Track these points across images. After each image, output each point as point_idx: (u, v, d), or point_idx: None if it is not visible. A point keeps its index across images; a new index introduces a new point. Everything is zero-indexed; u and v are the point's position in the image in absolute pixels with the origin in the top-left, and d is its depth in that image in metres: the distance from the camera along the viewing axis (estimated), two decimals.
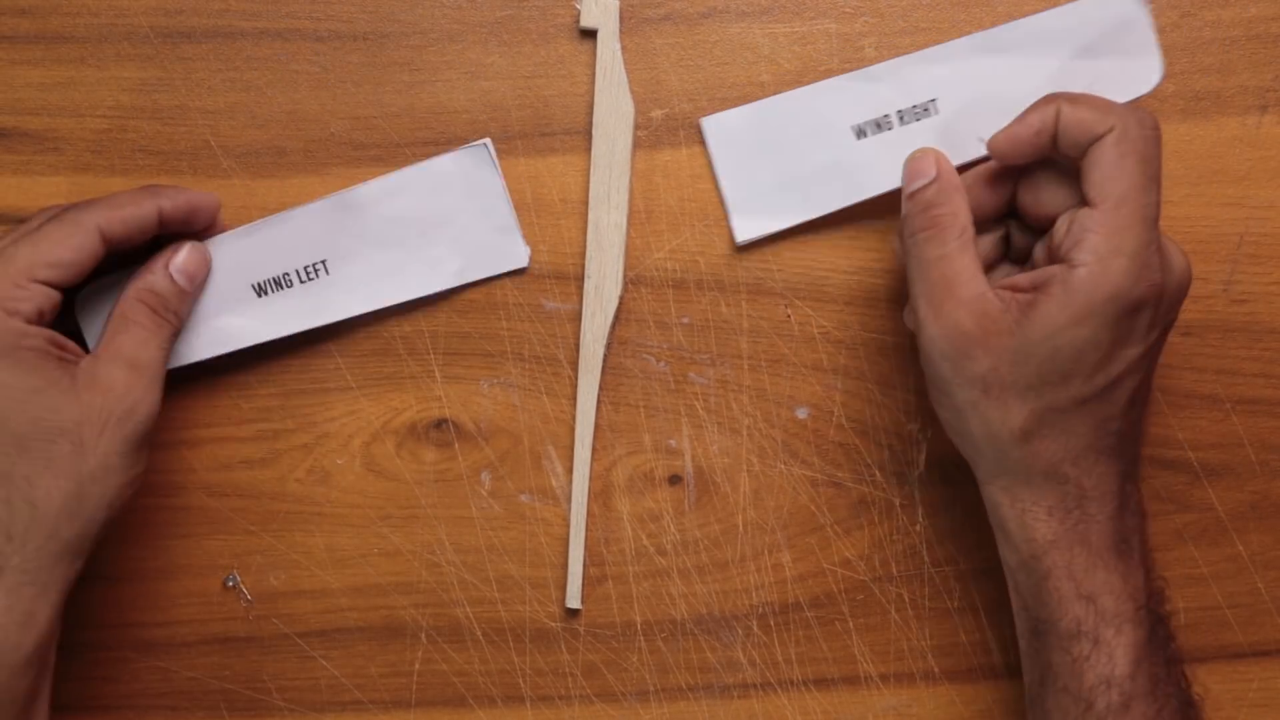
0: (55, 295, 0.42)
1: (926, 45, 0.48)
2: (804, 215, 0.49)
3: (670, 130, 0.50)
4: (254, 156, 0.49)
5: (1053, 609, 0.41)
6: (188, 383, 0.49)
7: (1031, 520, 0.42)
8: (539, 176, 0.49)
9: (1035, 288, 0.40)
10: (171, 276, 0.45)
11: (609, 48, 0.48)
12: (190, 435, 0.50)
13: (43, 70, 0.49)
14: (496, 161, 0.47)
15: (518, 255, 0.49)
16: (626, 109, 0.48)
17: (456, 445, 0.50)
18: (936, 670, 0.50)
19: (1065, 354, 0.40)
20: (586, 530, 0.49)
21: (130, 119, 0.49)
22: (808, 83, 0.49)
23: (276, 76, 0.50)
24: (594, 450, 0.50)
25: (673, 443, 0.50)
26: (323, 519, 0.50)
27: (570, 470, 0.50)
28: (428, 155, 0.49)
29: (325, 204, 0.47)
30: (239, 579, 0.50)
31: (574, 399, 0.49)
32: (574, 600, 0.49)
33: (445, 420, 0.50)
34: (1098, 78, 0.46)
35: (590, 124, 0.48)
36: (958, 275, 0.41)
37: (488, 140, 0.47)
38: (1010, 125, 0.43)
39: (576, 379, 0.49)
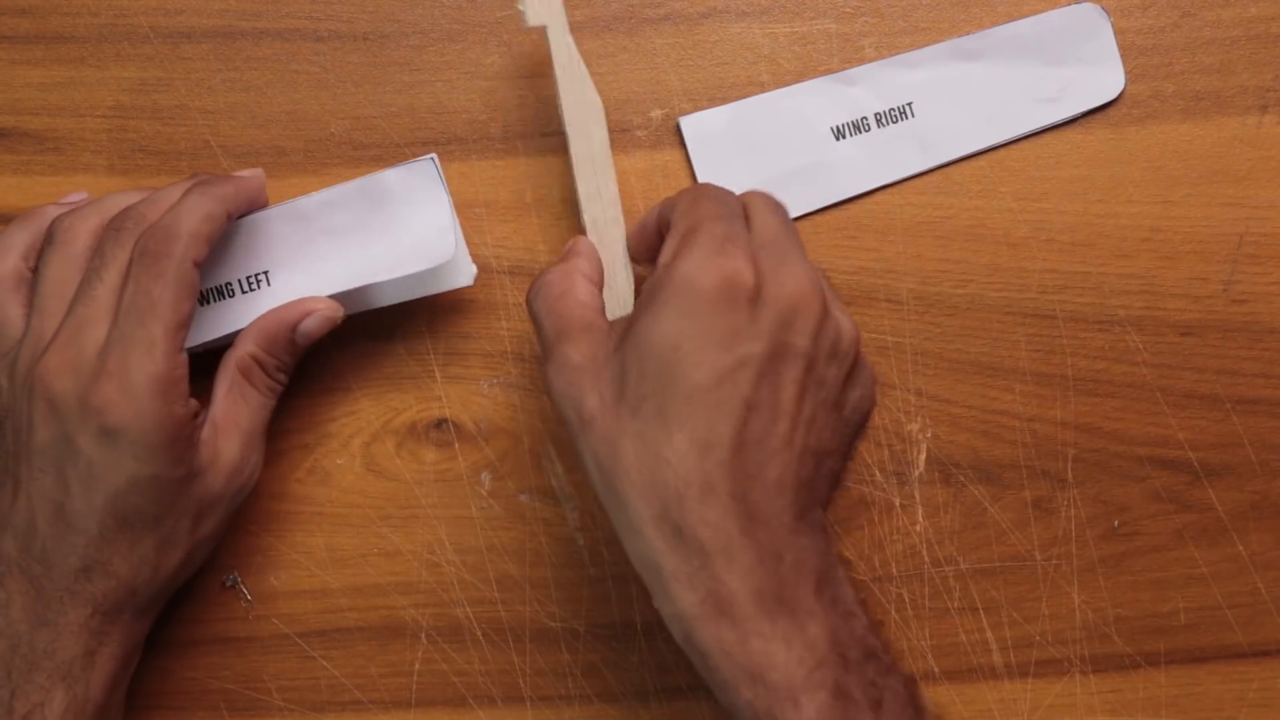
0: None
1: (927, 45, 0.49)
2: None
3: (670, 130, 0.50)
4: (254, 156, 0.49)
5: (728, 695, 0.35)
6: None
7: (674, 590, 0.35)
8: (539, 176, 0.49)
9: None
10: (295, 340, 0.45)
11: (562, 43, 0.46)
12: None
13: (43, 70, 0.49)
14: (443, 177, 0.46)
15: (463, 274, 0.48)
16: (594, 101, 0.46)
17: (456, 445, 0.50)
18: (936, 670, 0.50)
19: (651, 359, 0.37)
20: (585, 531, 0.49)
21: (130, 119, 0.49)
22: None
23: (276, 76, 0.50)
24: None
25: None
26: (323, 519, 0.50)
27: (570, 470, 0.50)
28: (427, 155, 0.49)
29: (269, 214, 0.46)
30: (239, 579, 0.50)
31: None
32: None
33: (445, 420, 0.50)
34: (1065, 86, 0.49)
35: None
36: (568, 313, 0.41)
37: (433, 155, 0.46)
38: (631, 227, 0.45)
39: None
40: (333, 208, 0.46)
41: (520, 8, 0.46)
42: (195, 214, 0.41)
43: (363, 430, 0.50)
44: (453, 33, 0.50)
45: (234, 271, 0.46)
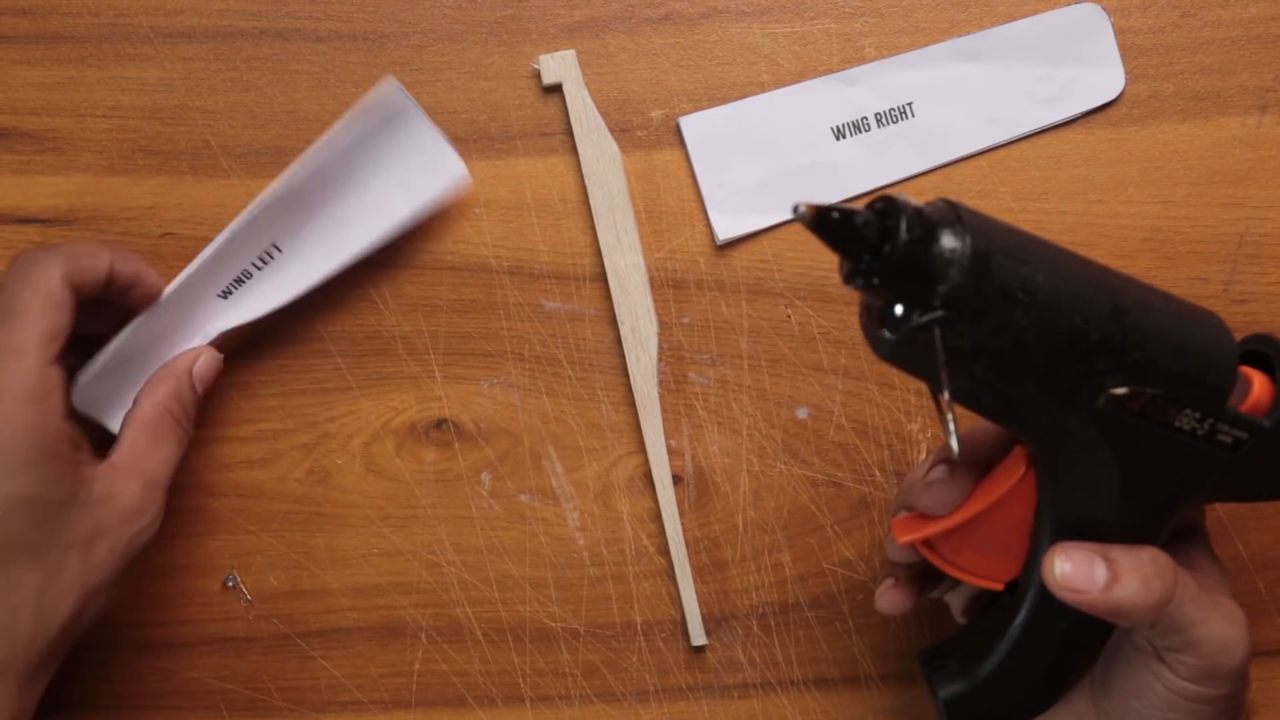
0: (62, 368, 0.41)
1: (927, 45, 0.49)
2: (784, 214, 0.49)
3: (670, 130, 0.50)
4: (254, 156, 0.49)
5: None
6: None
7: None
8: (539, 176, 0.49)
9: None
10: (194, 385, 0.45)
11: (578, 97, 0.48)
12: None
13: (43, 70, 0.49)
14: (406, 92, 0.46)
15: (456, 171, 0.47)
16: (611, 151, 0.48)
17: (456, 445, 0.50)
18: None
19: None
20: (585, 531, 0.49)
21: (130, 119, 0.49)
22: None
23: (276, 76, 0.50)
24: (597, 452, 0.50)
25: (673, 442, 0.50)
26: (323, 519, 0.50)
27: (570, 470, 0.50)
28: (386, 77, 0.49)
29: (258, 202, 0.46)
30: (239, 579, 0.50)
31: (574, 399, 0.49)
32: (698, 638, 0.49)
33: (445, 420, 0.50)
34: (1065, 86, 0.49)
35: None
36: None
37: (391, 76, 0.46)
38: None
39: (591, 388, 0.49)
40: (315, 161, 0.46)
41: (535, 66, 0.47)
42: (79, 245, 0.42)
43: (363, 430, 0.50)
44: (453, 33, 0.50)
45: (245, 257, 0.46)
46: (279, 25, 0.50)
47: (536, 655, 0.50)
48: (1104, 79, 0.49)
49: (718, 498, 0.50)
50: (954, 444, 0.34)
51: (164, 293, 0.45)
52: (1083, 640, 0.39)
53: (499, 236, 0.50)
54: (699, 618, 0.49)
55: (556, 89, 0.49)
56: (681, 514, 0.50)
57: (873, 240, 0.31)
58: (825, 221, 0.31)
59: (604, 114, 0.49)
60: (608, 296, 0.49)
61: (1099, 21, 0.49)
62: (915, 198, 0.33)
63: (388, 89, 0.46)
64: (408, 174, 0.47)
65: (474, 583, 0.50)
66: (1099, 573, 0.35)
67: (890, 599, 0.42)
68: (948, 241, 0.32)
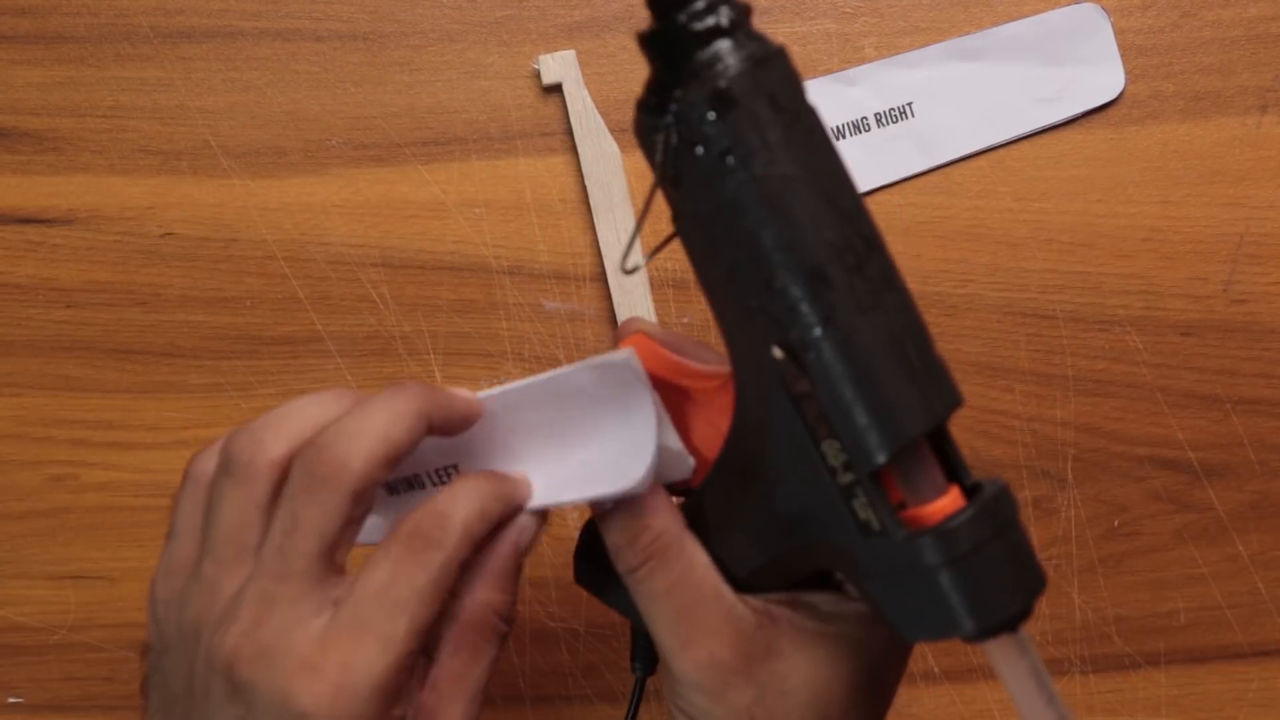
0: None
1: (927, 45, 0.49)
2: None
3: None
4: (254, 156, 0.49)
5: None
6: (188, 382, 0.49)
7: None
8: (538, 176, 0.49)
9: (794, 603, 0.34)
10: (519, 565, 0.36)
11: (578, 97, 0.48)
12: (190, 435, 0.49)
13: (43, 70, 0.49)
14: (644, 375, 0.34)
15: (636, 474, 0.34)
16: (611, 151, 0.48)
17: None
18: (936, 670, 0.50)
19: (840, 685, 0.33)
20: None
21: (130, 119, 0.49)
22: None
23: (276, 76, 0.50)
24: None
25: None
26: None
27: None
28: (427, 155, 0.49)
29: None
30: None
31: None
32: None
33: None
34: (1065, 86, 0.49)
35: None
36: (698, 599, 0.33)
37: (631, 352, 0.34)
38: None
39: None
40: (520, 406, 0.38)
41: (535, 66, 0.47)
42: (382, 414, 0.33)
43: None
44: (453, 33, 0.50)
45: (425, 464, 0.39)
46: (279, 25, 0.50)
47: (536, 655, 0.50)
48: (1104, 79, 0.49)
49: None
50: (629, 260, 0.32)
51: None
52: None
53: (499, 236, 0.50)
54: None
55: (556, 89, 0.49)
56: None
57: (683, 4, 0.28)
58: None
59: (604, 114, 0.49)
60: (608, 296, 0.49)
61: (1099, 21, 0.49)
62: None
63: (623, 373, 0.35)
64: (607, 485, 0.35)
65: None
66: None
67: None
68: (724, 50, 0.28)
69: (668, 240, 0.31)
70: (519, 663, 0.50)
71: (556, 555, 0.50)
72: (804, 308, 0.28)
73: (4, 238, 0.49)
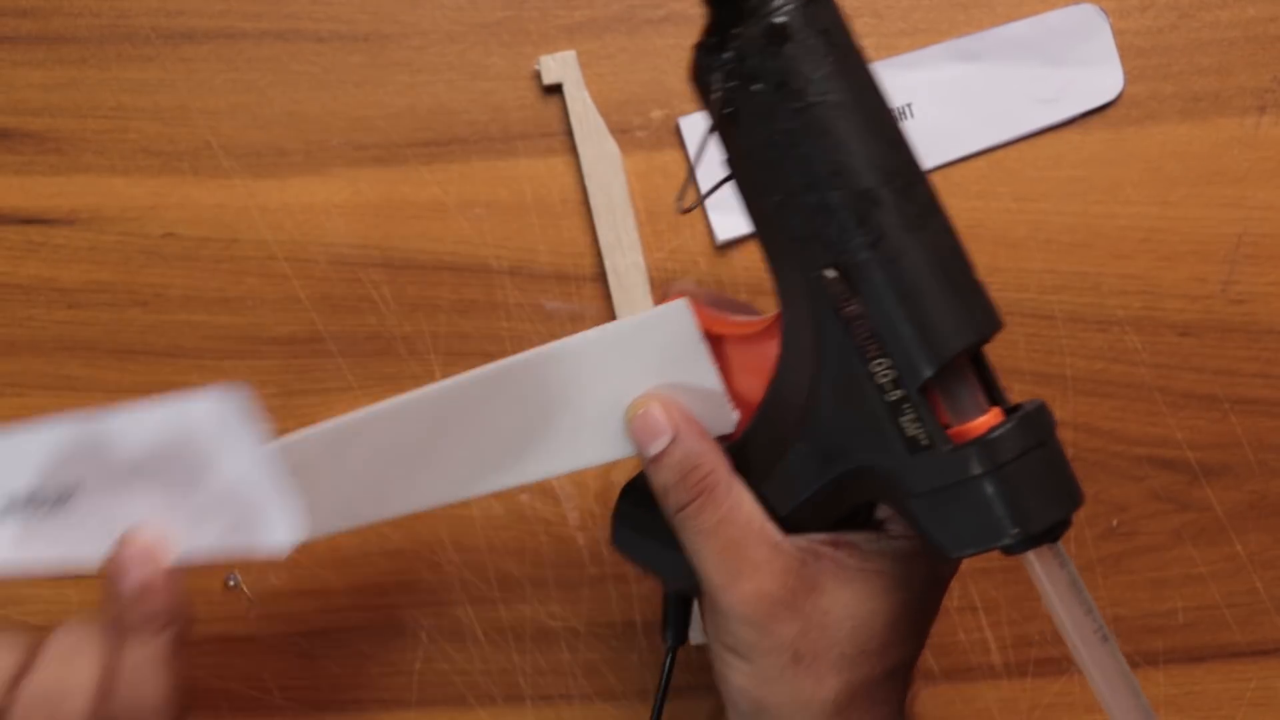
0: None
1: (926, 46, 0.49)
2: None
3: (670, 130, 0.50)
4: (255, 156, 0.49)
5: None
6: (190, 382, 0.49)
7: None
8: (539, 177, 0.50)
9: (835, 542, 0.35)
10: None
11: (578, 98, 0.48)
12: None
13: (44, 71, 0.49)
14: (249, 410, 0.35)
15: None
16: (612, 151, 0.48)
17: None
18: (936, 670, 0.50)
19: (880, 621, 0.35)
20: (585, 531, 0.50)
21: (132, 119, 0.49)
22: None
23: (277, 77, 0.50)
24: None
25: None
26: None
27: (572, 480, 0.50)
28: (428, 156, 0.49)
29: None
30: (240, 579, 0.50)
31: None
32: (698, 637, 0.45)
33: None
34: (1064, 86, 0.49)
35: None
36: (745, 535, 0.34)
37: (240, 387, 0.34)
38: None
39: None
40: (142, 446, 0.37)
41: (536, 66, 0.47)
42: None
43: None
44: (453, 33, 0.50)
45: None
46: (280, 26, 0.50)
47: (537, 654, 0.50)
48: (1102, 80, 0.50)
49: None
50: (687, 199, 0.34)
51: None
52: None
53: (499, 237, 0.50)
54: (699, 617, 0.49)
55: (557, 89, 0.49)
56: None
57: None
58: None
59: (604, 114, 0.49)
60: (608, 297, 0.49)
61: (1097, 22, 0.49)
62: None
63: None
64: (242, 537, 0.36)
65: (475, 582, 0.50)
66: (660, 441, 0.35)
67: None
68: None
69: (720, 183, 0.33)
70: (519, 662, 0.50)
71: (556, 555, 0.50)
72: (857, 229, 0.30)
73: (6, 238, 0.49)
